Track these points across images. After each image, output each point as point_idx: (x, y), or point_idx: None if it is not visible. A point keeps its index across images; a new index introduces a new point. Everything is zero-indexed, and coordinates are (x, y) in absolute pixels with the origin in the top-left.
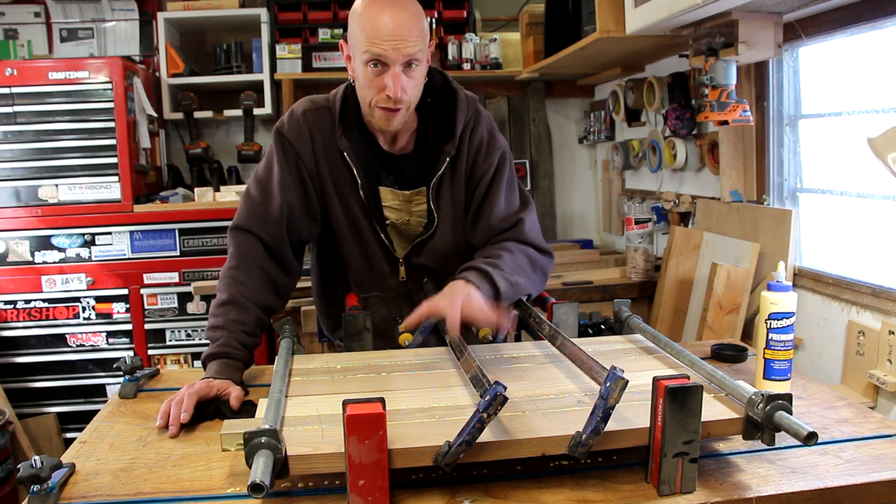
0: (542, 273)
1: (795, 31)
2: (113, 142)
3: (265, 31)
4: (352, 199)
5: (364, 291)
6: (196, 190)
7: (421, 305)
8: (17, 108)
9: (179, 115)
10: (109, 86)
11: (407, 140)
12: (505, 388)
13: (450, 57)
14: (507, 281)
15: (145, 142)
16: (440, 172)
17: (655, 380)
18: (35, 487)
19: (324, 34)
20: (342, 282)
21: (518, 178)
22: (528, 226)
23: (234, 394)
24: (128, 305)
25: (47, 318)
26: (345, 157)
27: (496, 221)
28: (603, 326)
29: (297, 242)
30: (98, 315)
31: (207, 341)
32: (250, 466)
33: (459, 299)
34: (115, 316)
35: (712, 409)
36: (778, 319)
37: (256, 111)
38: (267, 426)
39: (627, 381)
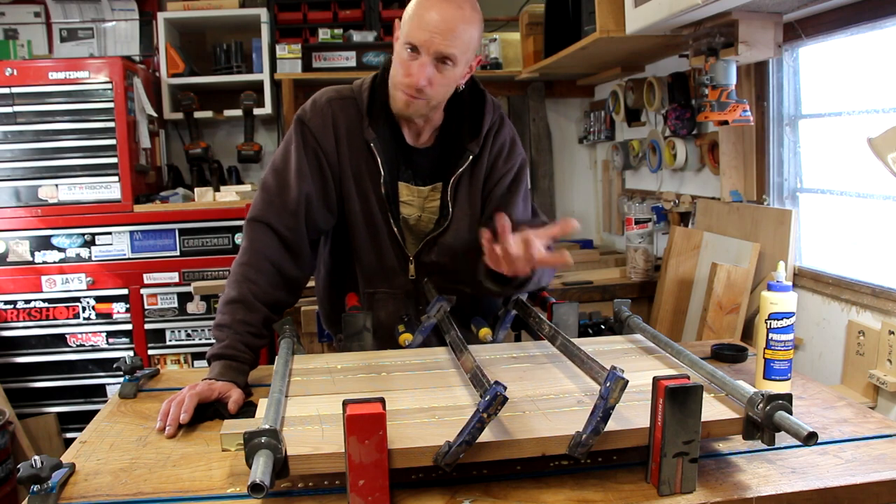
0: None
1: (795, 31)
2: (113, 142)
3: (265, 31)
4: (370, 192)
5: (372, 287)
6: (196, 190)
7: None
8: (17, 108)
9: (179, 115)
10: (109, 86)
11: (430, 135)
12: (505, 388)
13: None
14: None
15: (145, 142)
16: (461, 170)
17: (655, 380)
18: (35, 487)
19: (324, 34)
20: (351, 276)
21: None
22: None
23: (234, 398)
24: (128, 305)
25: (47, 318)
26: (370, 149)
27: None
28: (603, 326)
29: (314, 233)
30: (98, 315)
31: (212, 339)
32: (250, 466)
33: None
34: (115, 316)
35: (712, 409)
36: (778, 319)
37: (256, 111)
38: (267, 426)
39: (627, 381)
